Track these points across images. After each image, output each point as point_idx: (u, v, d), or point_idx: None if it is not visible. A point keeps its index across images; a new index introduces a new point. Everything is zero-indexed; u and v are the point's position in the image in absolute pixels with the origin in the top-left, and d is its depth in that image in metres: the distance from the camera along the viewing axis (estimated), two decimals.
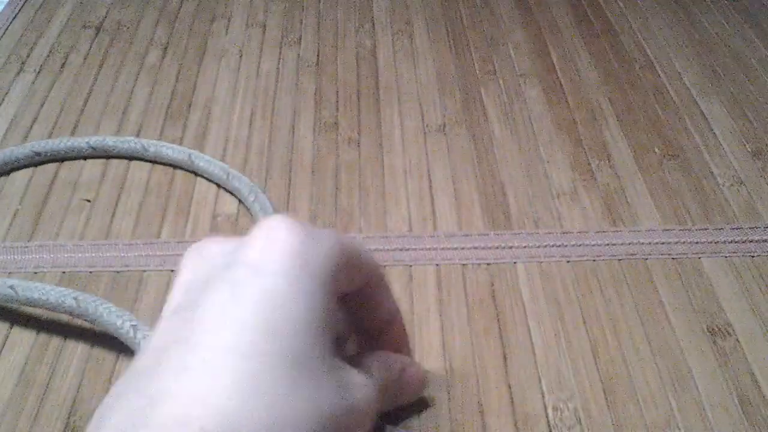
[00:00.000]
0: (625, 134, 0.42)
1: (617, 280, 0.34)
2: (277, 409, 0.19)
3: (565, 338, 0.31)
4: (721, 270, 0.34)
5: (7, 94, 0.46)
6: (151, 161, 0.41)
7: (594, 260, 0.35)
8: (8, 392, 0.29)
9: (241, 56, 0.49)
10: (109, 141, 0.41)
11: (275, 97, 0.46)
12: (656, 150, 0.41)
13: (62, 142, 0.41)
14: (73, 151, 0.41)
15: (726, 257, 0.35)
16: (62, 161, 0.41)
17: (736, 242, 0.35)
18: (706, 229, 0.36)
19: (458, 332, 0.32)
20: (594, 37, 0.51)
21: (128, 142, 0.41)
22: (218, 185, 0.39)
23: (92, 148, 0.41)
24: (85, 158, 0.41)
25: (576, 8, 0.54)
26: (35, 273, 0.35)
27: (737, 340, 0.31)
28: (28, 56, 0.49)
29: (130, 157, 0.41)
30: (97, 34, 0.52)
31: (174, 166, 0.40)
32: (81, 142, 0.41)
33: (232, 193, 0.39)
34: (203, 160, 0.39)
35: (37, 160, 0.41)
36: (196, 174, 0.40)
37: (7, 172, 0.40)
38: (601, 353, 0.31)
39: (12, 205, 0.38)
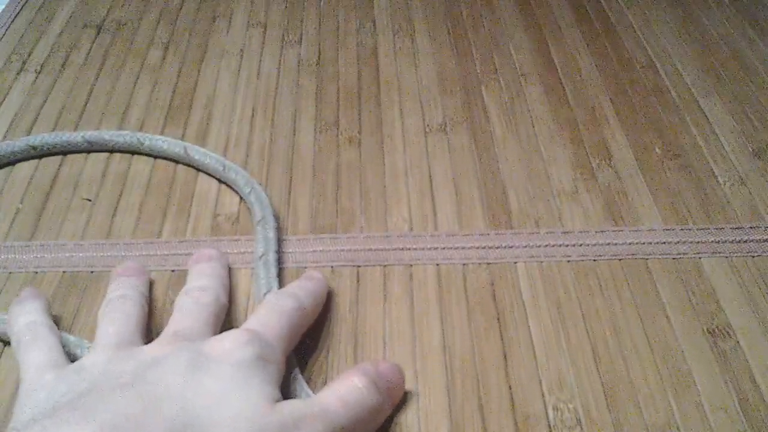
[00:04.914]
0: (626, 134, 0.42)
1: (617, 280, 0.34)
2: None
3: (566, 338, 0.31)
4: (721, 270, 0.34)
5: (8, 93, 0.46)
6: (146, 154, 0.41)
7: (594, 260, 0.35)
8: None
9: (242, 56, 0.49)
10: (105, 135, 0.41)
11: (276, 97, 0.46)
12: (657, 149, 0.41)
13: (58, 136, 0.41)
14: (68, 145, 0.41)
15: (726, 257, 0.35)
16: (58, 155, 0.41)
17: (737, 242, 0.35)
18: (707, 229, 0.36)
19: (458, 332, 0.32)
20: (595, 37, 0.51)
21: (123, 135, 0.41)
22: (215, 178, 0.39)
23: (88, 142, 0.41)
24: (80, 152, 0.41)
25: (577, 8, 0.54)
26: (36, 273, 0.35)
27: (737, 341, 0.31)
28: (29, 56, 0.49)
29: (126, 151, 0.41)
30: (98, 33, 0.52)
31: (170, 159, 0.41)
32: (76, 136, 0.41)
33: (228, 185, 0.39)
34: (199, 153, 0.40)
35: (32, 154, 0.41)
36: (191, 167, 0.40)
37: (4, 166, 0.41)
38: (601, 353, 0.31)
39: (13, 204, 0.38)
